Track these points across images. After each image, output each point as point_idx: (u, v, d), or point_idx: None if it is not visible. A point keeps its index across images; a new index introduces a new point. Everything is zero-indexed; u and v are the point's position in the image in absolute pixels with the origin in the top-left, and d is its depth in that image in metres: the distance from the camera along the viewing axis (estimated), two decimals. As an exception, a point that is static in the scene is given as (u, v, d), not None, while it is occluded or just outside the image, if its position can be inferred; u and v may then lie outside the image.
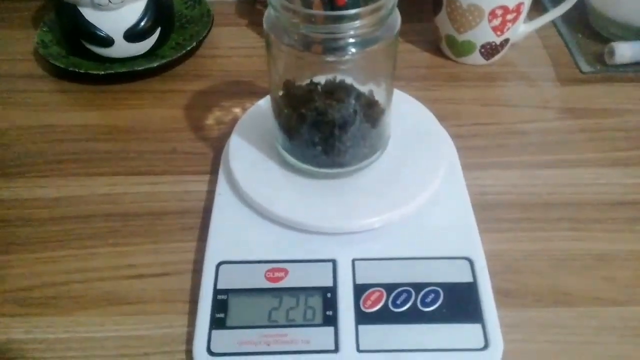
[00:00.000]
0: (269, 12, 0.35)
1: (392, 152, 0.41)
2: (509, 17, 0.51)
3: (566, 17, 0.55)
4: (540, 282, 0.37)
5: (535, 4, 0.54)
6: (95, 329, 0.35)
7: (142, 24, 0.52)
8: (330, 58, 0.35)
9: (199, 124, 0.49)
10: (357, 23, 0.33)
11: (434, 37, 0.57)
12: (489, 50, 0.54)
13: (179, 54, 0.53)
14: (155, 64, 0.52)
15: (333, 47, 0.34)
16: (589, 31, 0.57)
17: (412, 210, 0.38)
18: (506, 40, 0.54)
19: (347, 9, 0.33)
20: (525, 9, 0.52)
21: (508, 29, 0.52)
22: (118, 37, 0.51)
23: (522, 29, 0.54)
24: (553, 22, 0.56)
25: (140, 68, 0.51)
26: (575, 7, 0.51)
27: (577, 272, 0.38)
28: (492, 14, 0.50)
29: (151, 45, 0.53)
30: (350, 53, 0.34)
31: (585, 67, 0.53)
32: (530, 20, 0.54)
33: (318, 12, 0.34)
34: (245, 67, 0.55)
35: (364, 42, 0.34)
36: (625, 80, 0.52)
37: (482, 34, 0.52)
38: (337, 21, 0.33)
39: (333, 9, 0.36)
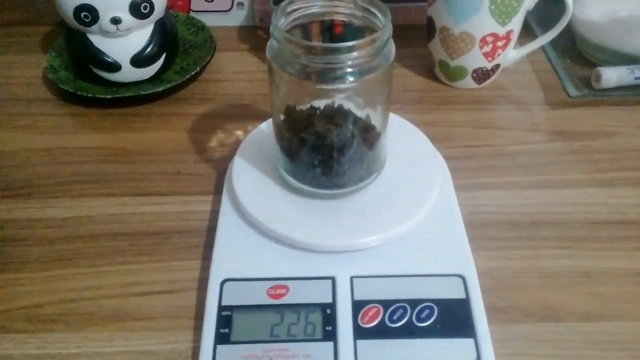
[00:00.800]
0: (271, 43, 0.38)
1: (388, 174, 0.43)
2: (499, 43, 0.53)
3: (555, 43, 0.58)
4: (530, 298, 0.39)
5: (525, 30, 0.56)
6: (104, 345, 0.37)
7: (148, 50, 0.54)
8: (329, 86, 0.37)
9: (203, 146, 0.51)
10: (355, 54, 0.35)
11: (428, 62, 0.59)
12: (481, 75, 0.56)
13: (183, 79, 0.55)
14: (160, 89, 0.54)
15: (332, 76, 0.36)
16: (577, 56, 0.60)
17: (408, 229, 0.40)
18: (497, 66, 0.56)
19: (345, 39, 0.36)
20: (515, 36, 0.54)
21: (499, 54, 0.54)
22: (125, 63, 0.53)
23: (512, 54, 0.56)
24: (542, 48, 0.59)
25: (145, 92, 0.53)
26: (563, 33, 0.54)
27: (565, 288, 0.39)
28: (483, 40, 0.53)
29: (156, 70, 0.55)
30: (348, 82, 0.36)
31: (573, 92, 0.55)
32: (520, 46, 0.56)
33: (318, 44, 0.36)
34: (247, 91, 0.57)
35: (361, 72, 0.36)
36: (611, 104, 0.55)
37: (474, 59, 0.54)
38: (336, 52, 0.35)
39: (332, 38, 0.39)
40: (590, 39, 0.58)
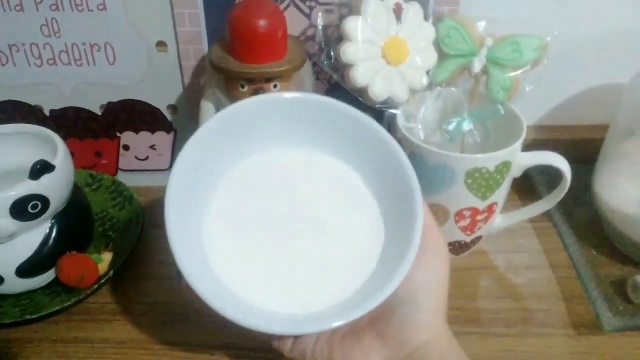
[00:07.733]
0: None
1: None
2: (480, 217, 0.42)
3: (574, 221, 0.47)
4: None
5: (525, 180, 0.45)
6: None
7: (42, 254, 0.40)
8: None
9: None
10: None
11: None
12: (458, 248, 0.45)
13: (90, 291, 0.41)
14: (55, 308, 0.39)
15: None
16: (604, 243, 0.46)
17: None
18: (478, 238, 0.45)
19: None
20: (499, 207, 0.43)
21: (479, 228, 0.43)
22: (9, 274, 0.40)
23: (498, 222, 0.45)
24: (551, 217, 0.48)
25: (33, 316, 0.39)
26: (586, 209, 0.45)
27: None
28: (459, 215, 0.42)
29: (54, 276, 0.42)
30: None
31: (606, 316, 0.40)
32: (509, 211, 0.45)
33: None
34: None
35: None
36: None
37: (449, 233, 0.43)
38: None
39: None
40: (627, 234, 0.44)
